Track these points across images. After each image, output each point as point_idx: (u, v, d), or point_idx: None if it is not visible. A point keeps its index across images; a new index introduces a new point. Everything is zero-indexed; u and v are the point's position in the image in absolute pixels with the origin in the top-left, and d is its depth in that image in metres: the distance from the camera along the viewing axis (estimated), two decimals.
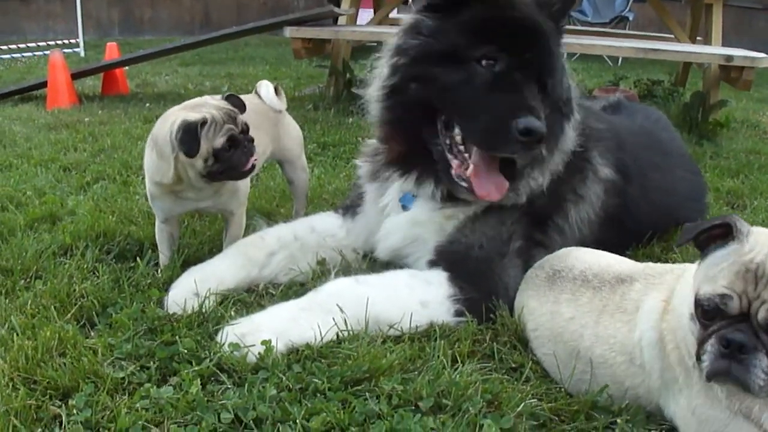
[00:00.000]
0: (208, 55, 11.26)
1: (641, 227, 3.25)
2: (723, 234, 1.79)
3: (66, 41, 13.26)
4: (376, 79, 2.85)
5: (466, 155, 2.62)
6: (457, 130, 2.64)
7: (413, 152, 2.75)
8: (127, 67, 8.65)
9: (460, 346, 2.35)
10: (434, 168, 2.71)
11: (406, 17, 2.81)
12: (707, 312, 1.72)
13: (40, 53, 12.11)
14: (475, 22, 2.63)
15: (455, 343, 2.39)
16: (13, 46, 12.25)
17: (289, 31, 6.53)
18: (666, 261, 3.09)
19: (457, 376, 2.13)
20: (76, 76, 7.66)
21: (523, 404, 2.02)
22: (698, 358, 1.75)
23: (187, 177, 2.71)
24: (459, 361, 2.27)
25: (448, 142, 2.66)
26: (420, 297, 2.54)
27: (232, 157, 2.67)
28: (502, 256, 2.70)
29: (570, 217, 2.89)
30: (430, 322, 2.49)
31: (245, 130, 2.74)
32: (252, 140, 2.76)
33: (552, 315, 2.28)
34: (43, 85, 7.48)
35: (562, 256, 2.46)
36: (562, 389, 2.18)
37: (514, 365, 2.31)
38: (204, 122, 2.61)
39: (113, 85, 8.07)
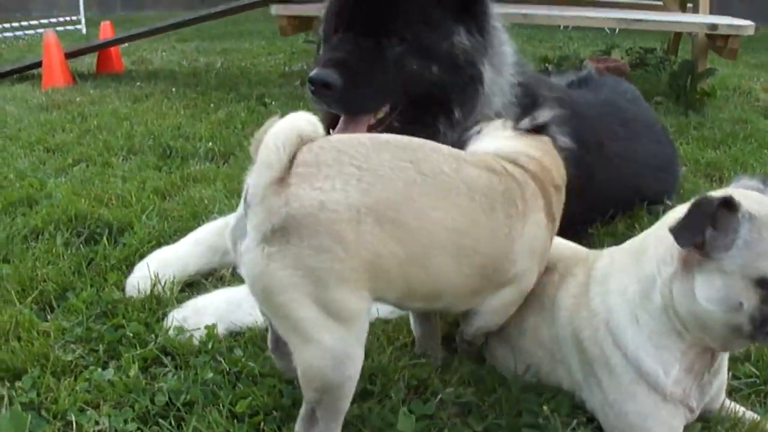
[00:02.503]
0: (207, 30, 11.29)
1: (603, 198, 3.27)
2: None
3: (69, 18, 13.32)
4: None
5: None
6: None
7: None
8: (125, 44, 8.70)
9: (397, 332, 2.40)
10: None
11: None
12: None
13: (42, 30, 12.16)
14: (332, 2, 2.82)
15: (394, 328, 2.43)
16: (16, 24, 12.32)
17: (274, 9, 6.58)
18: (630, 238, 3.12)
19: (386, 361, 2.18)
20: (70, 56, 7.72)
21: (446, 390, 2.07)
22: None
23: None
24: (394, 345, 2.31)
25: None
26: None
27: None
28: None
29: None
30: (377, 309, 2.52)
31: None
32: None
33: None
34: (39, 64, 7.53)
35: None
36: (492, 372, 2.20)
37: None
38: None
39: (108, 63, 8.13)
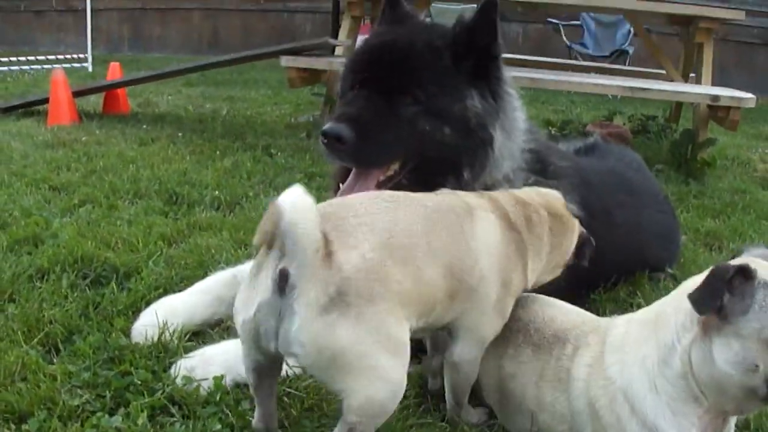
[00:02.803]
0: (213, 77, 11.35)
1: (607, 264, 3.31)
2: None
3: (75, 56, 13.41)
4: None
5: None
6: None
7: None
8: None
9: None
10: None
11: None
12: None
13: (48, 66, 12.26)
14: (350, 57, 2.93)
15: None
16: (23, 58, 12.41)
17: (284, 61, 6.69)
18: (630, 305, 3.15)
19: (393, 420, 2.18)
20: (77, 94, 7.78)
21: None
22: None
23: None
24: (401, 404, 2.30)
25: None
26: None
27: None
28: None
29: None
30: None
31: None
32: None
33: (497, 368, 2.30)
34: (45, 101, 7.60)
35: None
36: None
37: None
38: None
39: (114, 103, 8.17)
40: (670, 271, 3.62)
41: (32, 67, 12.40)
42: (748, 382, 1.78)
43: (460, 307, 2.11)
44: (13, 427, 2.10)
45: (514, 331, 2.31)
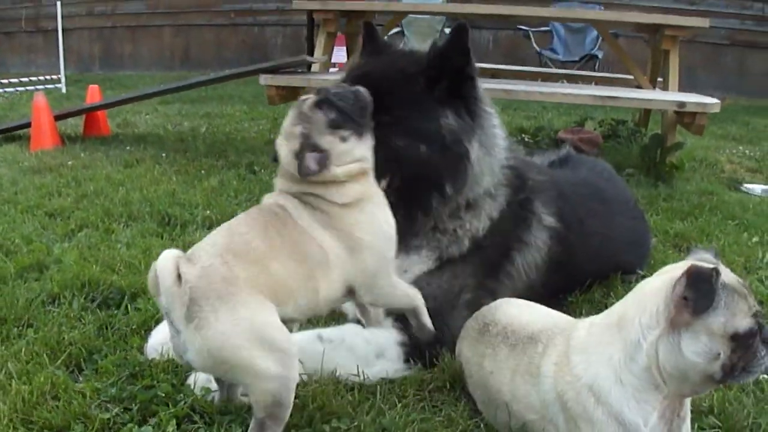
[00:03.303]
0: (188, 94, 11.36)
1: (582, 271, 3.55)
2: None
3: (48, 77, 13.41)
4: None
5: None
6: None
7: None
8: None
9: (404, 390, 2.65)
10: None
11: None
12: (747, 337, 2.02)
13: (22, 89, 12.31)
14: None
15: (401, 386, 2.67)
16: None
17: (263, 79, 6.83)
18: (605, 305, 3.35)
19: (396, 416, 2.42)
20: (59, 118, 7.87)
21: None
22: (735, 373, 2.04)
23: None
24: (402, 402, 2.55)
25: None
26: (375, 349, 2.80)
27: None
28: (452, 308, 2.96)
29: (516, 262, 3.16)
30: (385, 371, 2.76)
31: None
32: None
33: (479, 367, 2.55)
34: (27, 125, 7.68)
35: (492, 309, 2.72)
36: (489, 425, 2.49)
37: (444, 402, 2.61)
38: None
39: (95, 125, 8.25)
40: (641, 272, 3.82)
41: (6, 90, 12.41)
42: (709, 369, 2.04)
43: (318, 283, 2.36)
44: None
45: (494, 334, 2.57)
